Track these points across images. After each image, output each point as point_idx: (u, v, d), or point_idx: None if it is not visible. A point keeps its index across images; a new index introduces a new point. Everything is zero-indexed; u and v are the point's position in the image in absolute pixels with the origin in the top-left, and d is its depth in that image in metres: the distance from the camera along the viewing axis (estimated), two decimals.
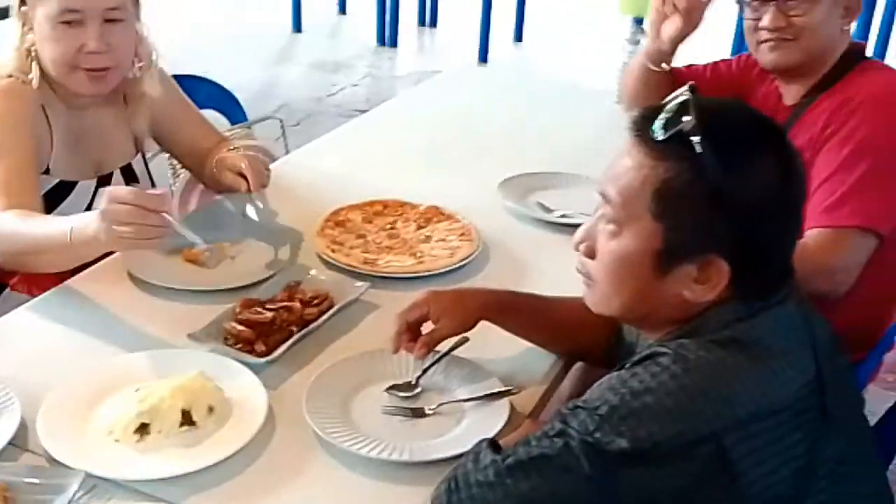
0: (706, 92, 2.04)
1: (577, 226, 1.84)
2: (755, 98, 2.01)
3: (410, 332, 1.41)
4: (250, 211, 1.87)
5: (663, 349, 1.04)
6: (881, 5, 5.37)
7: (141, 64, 1.84)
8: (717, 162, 1.01)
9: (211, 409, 1.29)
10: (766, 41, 1.84)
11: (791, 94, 1.89)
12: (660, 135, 1.04)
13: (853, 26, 1.89)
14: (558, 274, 1.75)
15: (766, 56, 1.86)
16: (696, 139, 1.01)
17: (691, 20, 1.97)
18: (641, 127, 1.08)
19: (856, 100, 1.74)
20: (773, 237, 1.08)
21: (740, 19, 1.92)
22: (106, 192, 1.41)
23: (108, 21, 1.71)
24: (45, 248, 1.57)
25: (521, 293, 1.52)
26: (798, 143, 1.77)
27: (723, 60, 2.14)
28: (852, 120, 1.73)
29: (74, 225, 1.45)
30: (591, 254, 1.15)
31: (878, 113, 1.72)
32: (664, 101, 1.08)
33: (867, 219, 1.67)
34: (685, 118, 1.03)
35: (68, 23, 1.68)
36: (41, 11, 1.69)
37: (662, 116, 1.05)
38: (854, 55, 1.84)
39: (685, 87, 1.07)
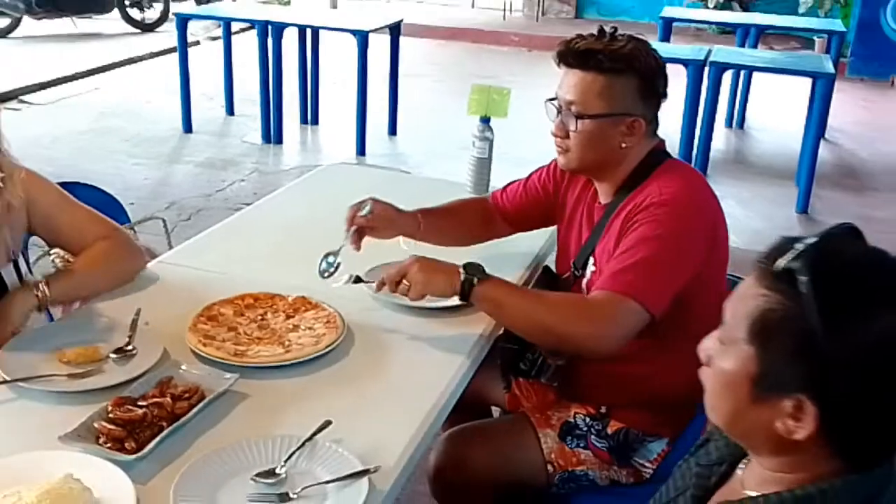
0: (524, 205, 2.11)
1: (433, 309, 1.89)
2: (571, 198, 2.04)
3: None
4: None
5: None
6: None
7: (1, 176, 1.76)
8: (817, 306, 0.94)
9: None
10: (557, 145, 1.91)
11: (603, 193, 1.93)
12: (775, 265, 0.99)
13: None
14: (415, 352, 1.77)
15: (558, 160, 1.94)
16: (802, 278, 0.95)
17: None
18: (767, 256, 1.02)
19: (646, 201, 1.78)
20: (876, 403, 0.96)
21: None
22: None
23: None
24: None
25: None
26: (609, 239, 1.83)
27: (535, 171, 2.14)
28: (641, 215, 1.78)
29: None
30: (708, 363, 1.11)
31: (660, 215, 1.76)
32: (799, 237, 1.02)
33: (641, 295, 1.70)
34: (793, 255, 0.98)
35: None
36: None
37: (778, 251, 1.01)
38: (656, 156, 1.88)
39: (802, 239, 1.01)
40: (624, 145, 1.83)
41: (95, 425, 1.42)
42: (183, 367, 1.62)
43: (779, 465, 1.05)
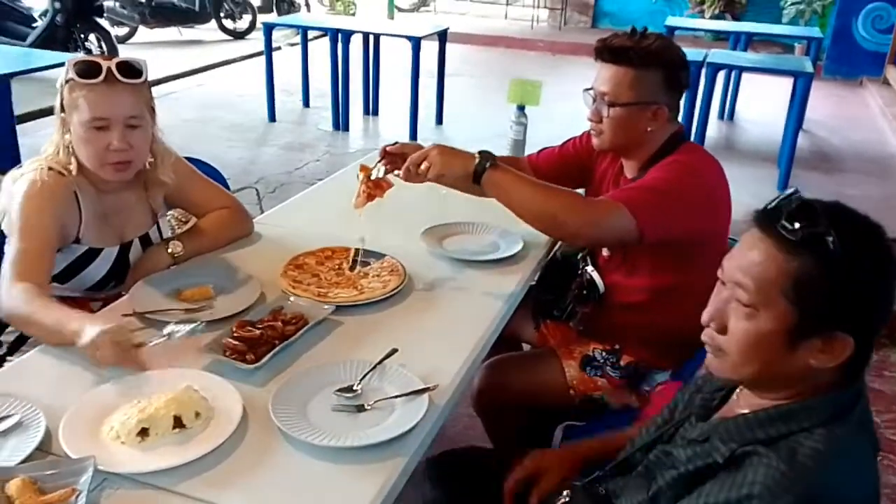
0: (556, 167, 2.06)
1: (474, 262, 1.88)
2: (600, 168, 2.01)
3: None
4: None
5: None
6: None
7: (153, 159, 1.82)
8: (845, 257, 0.94)
9: (198, 414, 1.26)
10: (592, 128, 1.86)
11: (629, 169, 1.90)
12: (796, 235, 0.96)
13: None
14: (463, 296, 1.77)
15: (591, 140, 1.89)
16: (830, 239, 0.94)
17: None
18: (768, 225, 0.99)
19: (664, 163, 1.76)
20: (880, 316, 0.99)
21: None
22: (104, 334, 1.35)
23: (129, 126, 1.68)
24: (43, 332, 1.49)
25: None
26: None
27: (571, 139, 2.09)
28: (654, 168, 1.76)
29: (71, 328, 1.40)
30: (722, 330, 1.05)
31: (672, 166, 1.75)
32: (780, 198, 1.01)
33: (635, 208, 1.65)
34: (819, 221, 0.95)
35: (98, 128, 1.66)
36: (76, 118, 1.67)
37: (788, 218, 0.97)
38: (677, 139, 1.83)
39: (794, 190, 1.01)
40: (649, 129, 1.79)
41: (223, 341, 1.47)
42: (291, 299, 1.65)
43: (772, 391, 1.05)
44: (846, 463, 0.98)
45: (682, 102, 1.86)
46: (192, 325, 1.50)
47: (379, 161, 1.81)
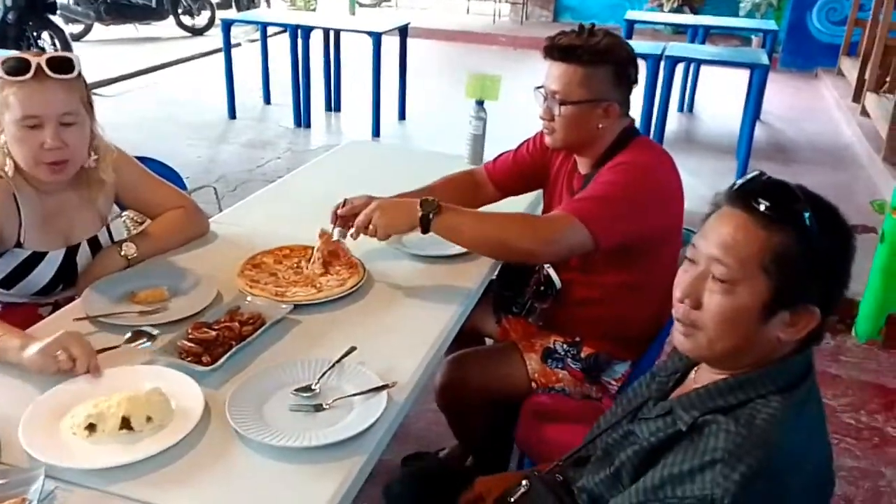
0: (512, 175, 2.08)
1: (434, 258, 1.88)
2: (554, 167, 2.01)
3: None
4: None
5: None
6: None
7: (96, 157, 1.76)
8: (820, 231, 0.98)
9: (149, 419, 1.24)
10: (544, 127, 1.86)
11: (583, 165, 1.91)
12: (774, 212, 0.99)
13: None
14: (423, 292, 1.77)
15: (545, 139, 1.88)
16: (807, 214, 0.98)
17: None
18: (744, 202, 1.01)
19: (612, 163, 1.77)
20: (840, 289, 1.04)
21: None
22: (69, 335, 1.37)
23: (63, 124, 1.63)
24: None
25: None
26: None
27: (525, 142, 2.08)
28: (605, 170, 1.77)
29: (13, 344, 1.39)
30: (697, 306, 1.06)
31: (620, 168, 1.75)
32: (752, 178, 1.05)
33: (589, 220, 1.66)
34: (796, 197, 0.99)
35: (30, 126, 1.61)
36: (8, 117, 1.61)
37: (765, 195, 1.00)
38: (628, 134, 1.83)
39: (760, 172, 1.05)
40: (601, 125, 1.80)
41: (178, 343, 1.44)
42: (248, 299, 1.63)
43: (735, 366, 1.07)
44: (802, 428, 1.01)
45: (633, 97, 1.86)
46: (142, 342, 1.48)
47: (333, 224, 1.82)
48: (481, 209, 1.97)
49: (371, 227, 1.71)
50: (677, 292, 1.08)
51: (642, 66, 5.05)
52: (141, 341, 1.48)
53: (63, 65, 1.62)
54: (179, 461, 1.19)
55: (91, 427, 1.21)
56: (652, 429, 1.11)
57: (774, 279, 0.99)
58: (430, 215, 1.68)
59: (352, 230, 1.77)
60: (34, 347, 1.35)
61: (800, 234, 0.98)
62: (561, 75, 1.78)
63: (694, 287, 1.06)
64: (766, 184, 1.03)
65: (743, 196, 1.03)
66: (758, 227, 1.00)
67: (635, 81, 1.84)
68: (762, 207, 1.00)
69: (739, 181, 1.06)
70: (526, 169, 2.06)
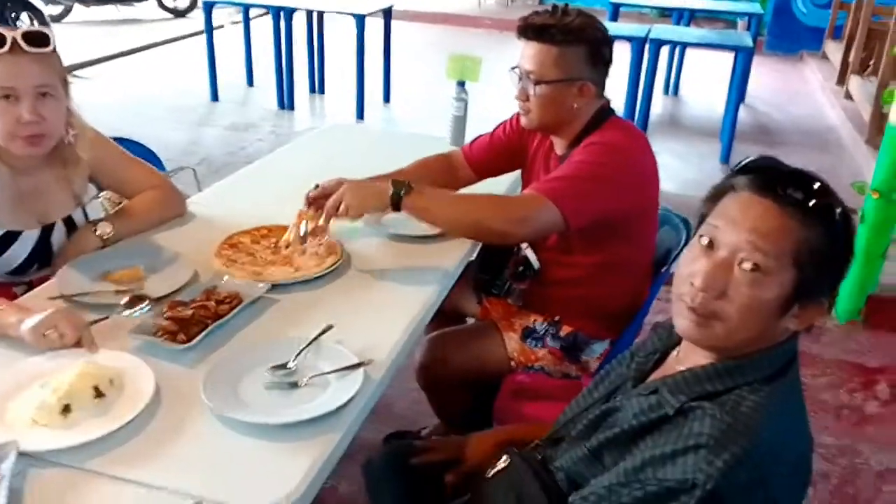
0: (490, 158, 2.08)
1: (413, 238, 1.88)
2: (531, 148, 2.01)
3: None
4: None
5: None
6: None
7: (74, 133, 1.75)
8: (844, 227, 0.99)
9: (111, 381, 1.26)
10: (520, 107, 1.86)
11: (559, 146, 1.91)
12: (808, 205, 0.98)
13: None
14: (401, 272, 1.76)
15: (520, 120, 1.89)
16: (838, 210, 0.98)
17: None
18: (773, 192, 0.99)
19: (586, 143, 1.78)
20: (842, 281, 1.05)
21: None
22: (59, 313, 1.39)
23: (40, 95, 1.62)
24: None
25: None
26: None
27: (501, 124, 2.08)
28: (578, 150, 1.77)
29: (8, 320, 1.39)
30: (720, 296, 1.01)
31: (592, 148, 1.75)
32: (771, 164, 1.03)
33: (560, 200, 1.66)
34: (830, 191, 0.99)
35: (6, 97, 1.59)
36: None
37: (795, 185, 0.98)
38: (604, 114, 1.84)
39: (770, 157, 1.05)
40: (576, 105, 1.80)
41: (154, 322, 1.44)
42: (225, 278, 1.62)
43: (735, 354, 1.05)
44: (786, 418, 1.02)
45: (617, 79, 1.86)
46: (141, 307, 1.49)
47: (307, 209, 1.81)
48: (459, 192, 1.97)
49: (343, 206, 1.70)
50: (698, 281, 1.02)
51: (627, 48, 5.06)
52: (140, 306, 1.49)
53: (38, 39, 1.61)
54: (154, 438, 1.19)
55: (66, 409, 1.20)
56: (636, 409, 1.10)
57: (802, 273, 0.98)
58: (401, 193, 1.67)
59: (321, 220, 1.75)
60: (27, 324, 1.36)
61: (828, 229, 0.98)
62: (535, 55, 1.78)
63: (718, 276, 1.01)
64: (794, 173, 1.01)
65: (770, 183, 1.00)
66: (792, 220, 0.98)
67: (610, 61, 1.84)
68: (798, 197, 0.98)
69: (751, 164, 1.04)
70: (503, 150, 2.06)
